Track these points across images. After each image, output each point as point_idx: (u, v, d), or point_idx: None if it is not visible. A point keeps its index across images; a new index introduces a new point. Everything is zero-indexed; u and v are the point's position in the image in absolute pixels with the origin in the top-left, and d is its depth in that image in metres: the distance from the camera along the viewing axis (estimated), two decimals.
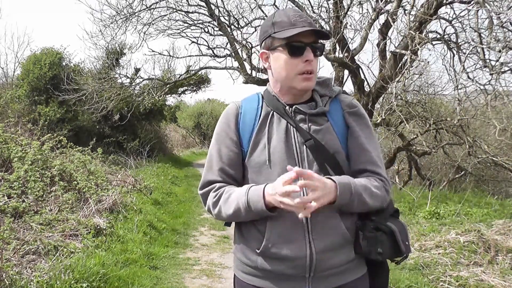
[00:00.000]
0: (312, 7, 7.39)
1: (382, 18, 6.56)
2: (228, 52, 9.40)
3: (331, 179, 1.33)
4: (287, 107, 1.47)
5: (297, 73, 1.41)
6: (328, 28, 7.08)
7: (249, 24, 9.04)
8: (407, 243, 1.41)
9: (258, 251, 1.42)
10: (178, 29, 9.55)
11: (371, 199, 1.38)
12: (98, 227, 4.68)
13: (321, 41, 1.45)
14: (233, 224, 1.54)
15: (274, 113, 1.47)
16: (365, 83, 7.43)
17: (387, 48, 6.70)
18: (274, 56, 1.44)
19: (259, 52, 1.55)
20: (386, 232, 1.39)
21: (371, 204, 1.39)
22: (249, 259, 1.46)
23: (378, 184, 1.41)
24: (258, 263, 1.43)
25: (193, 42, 9.82)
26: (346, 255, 1.41)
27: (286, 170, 1.33)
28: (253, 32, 9.33)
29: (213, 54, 9.93)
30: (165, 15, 9.21)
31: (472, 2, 5.39)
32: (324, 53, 6.55)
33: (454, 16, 6.14)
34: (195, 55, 10.44)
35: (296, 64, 1.40)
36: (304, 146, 1.42)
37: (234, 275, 1.55)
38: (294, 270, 1.38)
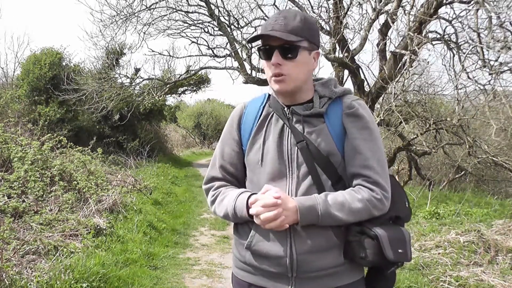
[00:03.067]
0: (312, 7, 7.39)
1: (382, 18, 6.56)
2: (228, 52, 9.39)
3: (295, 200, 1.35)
4: (285, 108, 1.48)
5: (271, 76, 1.43)
6: (328, 28, 7.08)
7: (249, 24, 9.04)
8: (400, 251, 1.35)
9: (245, 246, 1.46)
10: (178, 29, 9.55)
11: (350, 215, 1.35)
12: (98, 227, 4.68)
13: (301, 43, 1.39)
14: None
15: (274, 114, 1.49)
16: (365, 83, 7.42)
17: (387, 48, 6.70)
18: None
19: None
20: (371, 237, 1.35)
21: (351, 220, 1.36)
22: (240, 254, 1.50)
23: (363, 196, 1.36)
24: (246, 258, 1.47)
25: (193, 42, 9.82)
26: (334, 259, 1.39)
27: (276, 171, 1.43)
28: (253, 32, 9.33)
29: (213, 54, 9.92)
30: (165, 15, 9.21)
31: (471, 2, 5.39)
32: (324, 52, 6.59)
33: (454, 16, 6.13)
34: (195, 55, 10.43)
35: (269, 67, 1.43)
36: (296, 148, 1.42)
37: (232, 272, 1.59)
38: (277, 269, 1.40)
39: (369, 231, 1.36)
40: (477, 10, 4.80)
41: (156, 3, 8.89)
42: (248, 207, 1.40)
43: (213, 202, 1.54)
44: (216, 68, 9.92)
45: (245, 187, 1.55)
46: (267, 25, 1.41)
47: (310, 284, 1.39)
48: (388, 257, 1.33)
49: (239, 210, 1.42)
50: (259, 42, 1.47)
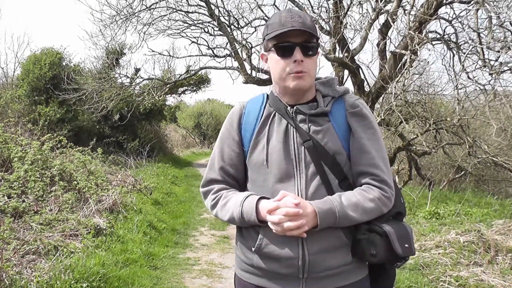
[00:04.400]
0: (312, 7, 7.39)
1: (382, 18, 6.56)
2: (228, 52, 9.39)
3: (313, 205, 1.34)
4: (288, 108, 1.47)
5: (288, 73, 1.41)
6: (328, 28, 7.08)
7: (249, 24, 9.03)
8: (406, 245, 1.37)
9: (253, 250, 1.44)
10: (178, 29, 9.54)
11: (364, 215, 1.37)
12: (98, 227, 4.68)
13: (314, 40, 1.41)
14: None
15: (276, 113, 1.48)
16: (365, 83, 7.43)
17: (387, 48, 6.70)
18: (270, 57, 1.46)
19: (259, 52, 1.56)
20: (380, 234, 1.37)
21: (364, 219, 1.38)
22: (246, 257, 1.48)
23: (374, 195, 1.38)
24: (254, 261, 1.45)
25: (193, 42, 9.81)
26: (342, 258, 1.40)
27: (283, 171, 1.40)
28: (253, 32, 9.38)
29: (213, 54, 9.92)
30: (165, 15, 9.20)
31: (471, 2, 5.39)
32: (324, 52, 6.59)
33: (454, 16, 6.14)
34: (195, 55, 10.42)
35: (287, 64, 1.40)
36: (303, 147, 1.41)
37: (235, 273, 1.58)
38: (288, 270, 1.39)
39: (379, 228, 1.38)
40: (477, 10, 4.80)
41: (156, 3, 8.89)
42: (257, 212, 1.37)
43: (214, 206, 1.51)
44: (216, 68, 9.91)
45: (244, 189, 1.53)
46: (284, 22, 1.38)
47: (319, 284, 1.39)
48: (397, 252, 1.35)
49: (247, 215, 1.39)
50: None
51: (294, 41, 1.38)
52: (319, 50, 1.54)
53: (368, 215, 1.37)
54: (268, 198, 1.39)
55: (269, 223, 1.34)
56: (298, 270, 1.38)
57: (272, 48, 1.43)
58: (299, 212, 1.28)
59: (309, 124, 1.43)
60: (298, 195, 1.39)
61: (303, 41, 1.39)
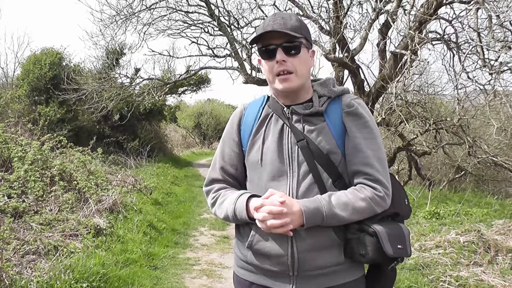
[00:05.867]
0: (312, 7, 7.39)
1: (382, 18, 6.56)
2: (228, 52, 9.40)
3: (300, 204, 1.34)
4: (285, 108, 1.49)
5: (275, 75, 1.44)
6: (328, 28, 7.07)
7: (249, 24, 9.05)
8: (399, 246, 1.35)
9: (246, 246, 1.47)
10: (178, 29, 9.56)
11: (355, 214, 1.36)
12: (98, 227, 4.68)
13: (300, 39, 1.42)
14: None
15: (274, 114, 1.51)
16: (365, 83, 7.42)
17: (387, 48, 6.70)
18: (262, 61, 1.50)
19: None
20: (370, 234, 1.36)
21: (354, 218, 1.37)
22: (242, 254, 1.52)
23: (366, 195, 1.37)
24: (248, 258, 1.48)
25: (193, 42, 9.83)
26: (334, 257, 1.40)
27: (276, 170, 1.43)
28: (253, 32, 9.34)
29: (213, 54, 9.93)
30: (165, 15, 9.22)
31: (471, 2, 5.39)
32: (324, 52, 6.59)
33: (454, 16, 6.14)
34: (195, 55, 10.44)
35: (271, 66, 1.44)
36: (296, 146, 1.43)
37: (233, 271, 1.60)
38: (278, 267, 1.41)
39: (368, 228, 1.37)
40: (477, 9, 4.80)
41: (156, 3, 8.90)
42: (247, 209, 1.40)
43: (213, 204, 1.56)
44: (216, 68, 9.92)
45: (245, 188, 1.55)
46: (266, 26, 1.42)
47: (311, 283, 1.40)
48: (387, 252, 1.33)
49: (239, 212, 1.42)
50: (258, 44, 1.48)
51: (275, 43, 1.42)
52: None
53: (359, 214, 1.37)
54: (260, 196, 1.41)
55: (256, 221, 1.37)
56: (287, 268, 1.39)
57: (259, 53, 1.48)
58: (283, 210, 1.30)
59: (304, 124, 1.45)
60: (289, 193, 1.40)
61: (284, 42, 1.41)
